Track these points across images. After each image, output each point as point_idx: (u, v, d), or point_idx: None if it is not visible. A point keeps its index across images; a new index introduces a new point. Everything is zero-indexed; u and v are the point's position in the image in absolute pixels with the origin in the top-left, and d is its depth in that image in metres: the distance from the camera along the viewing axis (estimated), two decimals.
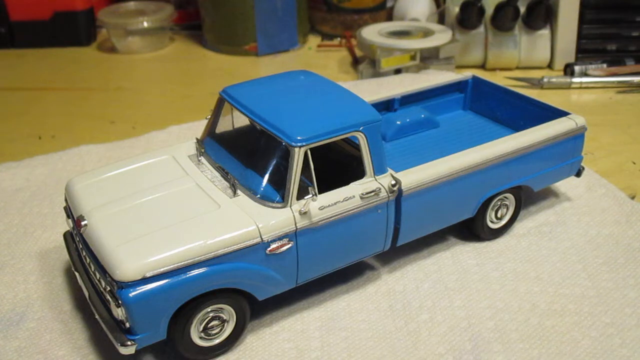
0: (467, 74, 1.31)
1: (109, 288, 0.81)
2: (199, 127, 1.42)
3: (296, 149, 0.86)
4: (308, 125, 0.89)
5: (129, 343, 0.81)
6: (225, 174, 0.93)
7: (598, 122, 1.47)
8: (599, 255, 1.05)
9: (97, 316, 0.85)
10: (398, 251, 1.05)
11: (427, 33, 1.75)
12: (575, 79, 1.67)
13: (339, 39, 2.03)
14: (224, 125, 1.02)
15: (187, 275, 0.81)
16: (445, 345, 0.89)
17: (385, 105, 1.23)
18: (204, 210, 0.87)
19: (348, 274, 1.02)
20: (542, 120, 1.11)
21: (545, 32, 1.77)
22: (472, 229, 1.08)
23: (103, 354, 0.89)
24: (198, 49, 2.04)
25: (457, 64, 1.77)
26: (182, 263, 0.81)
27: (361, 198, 0.91)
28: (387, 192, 0.93)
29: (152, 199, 0.90)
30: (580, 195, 1.20)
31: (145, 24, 1.95)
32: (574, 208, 1.17)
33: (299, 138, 0.87)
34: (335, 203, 0.89)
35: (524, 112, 1.20)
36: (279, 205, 0.87)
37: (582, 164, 1.15)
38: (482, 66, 1.81)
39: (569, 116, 1.11)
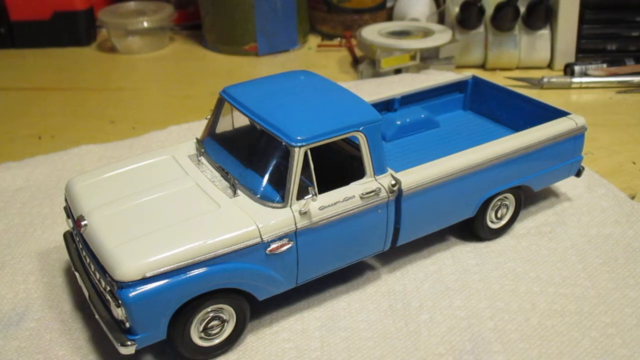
0: (467, 74, 1.31)
1: (109, 288, 0.81)
2: (199, 127, 1.42)
3: (296, 149, 0.86)
4: (308, 125, 0.89)
5: (129, 343, 0.81)
6: (225, 174, 0.93)
7: (598, 122, 1.47)
8: (599, 255, 1.05)
9: (97, 316, 0.85)
10: (398, 251, 1.05)
11: (427, 33, 1.75)
12: (575, 79, 1.67)
13: (339, 39, 2.03)
14: (224, 125, 1.02)
15: (187, 275, 0.81)
16: (445, 345, 0.89)
17: (385, 105, 1.23)
18: (204, 210, 0.87)
19: (348, 274, 1.02)
20: (542, 120, 1.11)
21: (545, 32, 1.77)
22: (472, 229, 1.08)
23: (103, 354, 0.89)
24: (198, 49, 2.04)
25: (457, 64, 1.78)
26: (182, 263, 0.81)
27: (361, 198, 0.91)
28: (387, 192, 0.93)
29: (152, 199, 0.90)
30: (580, 195, 1.20)
31: (145, 24, 1.95)
32: (574, 208, 1.17)
33: (299, 138, 0.87)
34: (335, 203, 0.89)
35: (524, 112, 1.20)
36: (279, 205, 0.87)
37: (582, 164, 1.15)
38: (482, 66, 1.81)
39: (569, 116, 1.11)
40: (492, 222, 1.09)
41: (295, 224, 0.87)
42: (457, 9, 1.76)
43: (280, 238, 0.86)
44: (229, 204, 0.88)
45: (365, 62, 1.77)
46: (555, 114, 1.14)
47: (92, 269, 0.87)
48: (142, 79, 1.83)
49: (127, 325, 0.81)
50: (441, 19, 1.90)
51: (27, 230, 1.13)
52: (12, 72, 1.88)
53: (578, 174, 1.16)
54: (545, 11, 1.71)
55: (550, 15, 1.74)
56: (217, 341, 0.88)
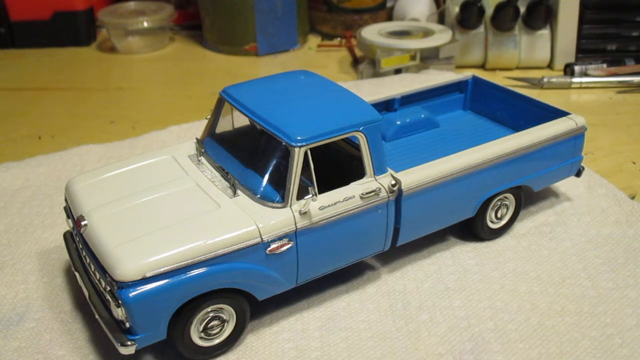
0: (467, 74, 1.31)
1: (109, 288, 0.81)
2: (199, 127, 1.42)
3: (296, 149, 0.86)
4: (308, 125, 0.89)
5: (129, 343, 0.81)
6: (225, 174, 0.93)
7: (598, 122, 1.47)
8: (599, 255, 1.05)
9: (97, 316, 0.85)
10: (398, 251, 1.05)
11: (427, 33, 1.75)
12: (575, 79, 1.67)
13: (339, 39, 2.03)
14: (224, 125, 1.02)
15: (187, 275, 0.81)
16: (445, 345, 0.89)
17: (385, 105, 1.23)
18: (204, 210, 0.87)
19: (348, 274, 1.02)
20: (542, 120, 1.11)
21: (545, 32, 1.77)
22: (472, 229, 1.08)
23: (103, 354, 0.89)
24: (198, 49, 2.04)
25: (457, 64, 1.78)
26: (182, 263, 0.81)
27: (361, 198, 0.91)
28: (387, 192, 0.93)
29: (152, 199, 0.90)
30: (580, 195, 1.20)
31: (145, 24, 1.95)
32: (574, 208, 1.17)
33: (299, 138, 0.87)
34: (335, 203, 0.89)
35: (524, 112, 1.20)
36: (279, 205, 0.87)
37: (582, 164, 1.15)
38: (482, 66, 1.81)
39: (569, 116, 1.11)
40: (492, 222, 1.09)
41: (295, 224, 0.87)
42: (457, 9, 1.76)
43: (280, 238, 0.86)
44: (229, 204, 0.88)
45: (365, 62, 1.77)
46: (555, 114, 1.14)
47: (92, 269, 0.87)
48: (142, 79, 1.83)
49: (127, 325, 0.81)
50: (441, 19, 1.90)
51: (27, 230, 1.13)
52: (12, 72, 1.88)
53: (578, 174, 1.16)
54: (545, 11, 1.71)
55: (550, 15, 1.74)
56: (217, 341, 0.88)
